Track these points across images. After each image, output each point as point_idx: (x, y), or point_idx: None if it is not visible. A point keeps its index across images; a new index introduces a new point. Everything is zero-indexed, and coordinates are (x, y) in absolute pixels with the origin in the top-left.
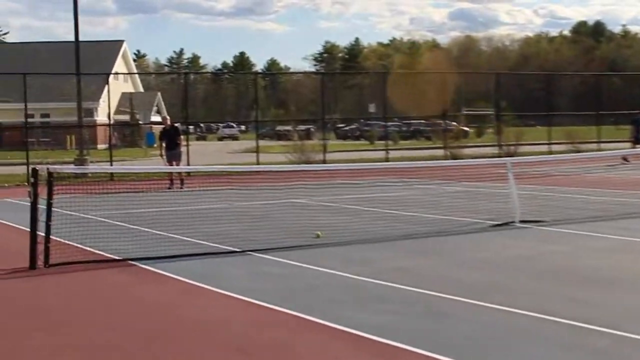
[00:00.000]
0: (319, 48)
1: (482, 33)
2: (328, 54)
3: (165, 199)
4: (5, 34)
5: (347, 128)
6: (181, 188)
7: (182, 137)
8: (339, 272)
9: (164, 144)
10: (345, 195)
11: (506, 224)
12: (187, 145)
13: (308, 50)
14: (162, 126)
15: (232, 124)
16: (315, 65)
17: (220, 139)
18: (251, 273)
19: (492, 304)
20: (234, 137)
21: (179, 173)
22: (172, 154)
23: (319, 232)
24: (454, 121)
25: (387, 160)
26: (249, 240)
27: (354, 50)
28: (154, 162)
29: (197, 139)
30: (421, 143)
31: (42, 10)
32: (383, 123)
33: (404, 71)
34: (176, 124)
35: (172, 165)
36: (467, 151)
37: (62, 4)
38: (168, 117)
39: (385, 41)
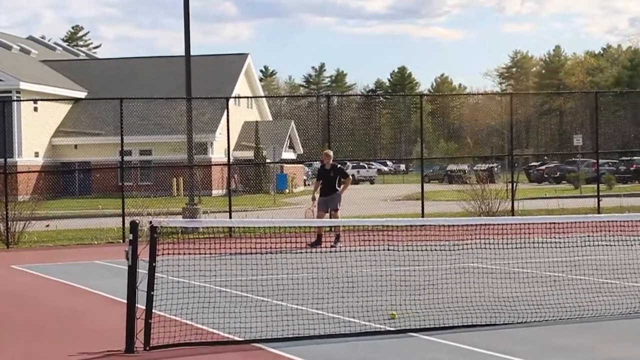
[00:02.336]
0: (505, 60)
1: None
2: (518, 68)
3: (301, 261)
4: (96, 47)
5: (543, 167)
6: (334, 245)
7: (349, 179)
8: None
9: (320, 187)
10: (540, 258)
11: None
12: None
13: (490, 63)
14: (321, 164)
15: (386, 162)
16: (500, 83)
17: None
18: None
19: None
20: (371, 181)
21: (336, 227)
22: (328, 201)
23: (394, 312)
24: None
25: (598, 211)
26: (410, 318)
27: (553, 63)
28: (286, 213)
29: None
30: None
31: (142, 16)
32: (593, 161)
33: (621, 90)
34: (340, 165)
35: (323, 215)
36: None
37: (167, 7)
38: (331, 153)
39: (597, 50)
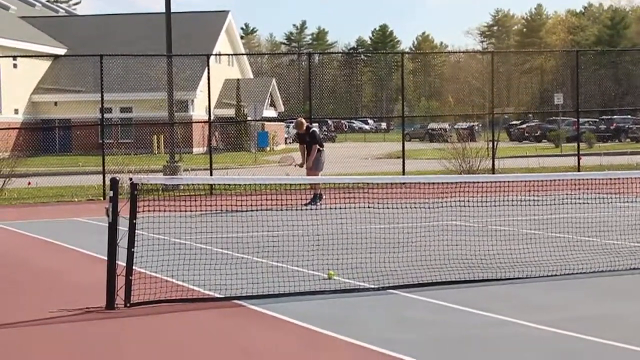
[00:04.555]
0: (486, 19)
1: None
2: (499, 26)
3: (282, 219)
4: (76, 4)
5: (524, 126)
6: (307, 204)
7: (314, 147)
8: (510, 319)
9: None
10: (521, 216)
11: None
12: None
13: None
14: (296, 131)
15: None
16: (481, 42)
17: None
18: (393, 318)
19: None
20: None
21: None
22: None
23: (331, 271)
24: None
25: (578, 169)
26: (389, 275)
27: (535, 21)
28: (267, 171)
29: (324, 139)
30: (626, 146)
31: None
32: (574, 119)
33: (602, 49)
34: (313, 126)
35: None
36: None
37: None
38: (302, 121)
39: (578, 8)
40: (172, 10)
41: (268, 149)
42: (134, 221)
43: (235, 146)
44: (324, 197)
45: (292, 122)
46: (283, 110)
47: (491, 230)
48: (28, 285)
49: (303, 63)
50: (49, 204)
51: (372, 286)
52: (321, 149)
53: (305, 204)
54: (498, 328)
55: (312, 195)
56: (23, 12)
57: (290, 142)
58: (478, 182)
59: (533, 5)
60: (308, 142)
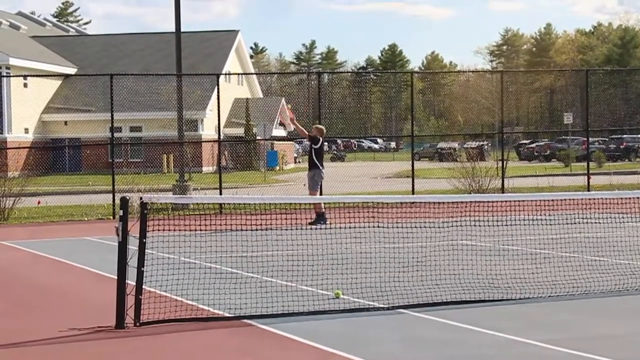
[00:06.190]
0: (496, 38)
1: None
2: (509, 46)
3: (291, 238)
4: (86, 23)
5: (533, 145)
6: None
7: (316, 156)
8: (520, 339)
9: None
10: (530, 235)
11: None
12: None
13: (481, 41)
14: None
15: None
16: (491, 61)
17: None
18: (403, 337)
19: None
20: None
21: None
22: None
23: (338, 291)
24: None
25: (588, 188)
26: (399, 295)
27: (544, 40)
28: (277, 190)
29: (333, 159)
30: (636, 165)
31: None
32: (583, 139)
33: (612, 68)
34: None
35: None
36: None
37: None
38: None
39: (587, 28)
40: (182, 30)
41: (277, 168)
42: (144, 240)
43: (245, 165)
44: (327, 219)
45: (301, 142)
46: (292, 129)
47: (501, 249)
48: (38, 305)
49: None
50: (58, 223)
51: (382, 305)
52: (320, 167)
53: (309, 223)
54: (509, 348)
55: (315, 215)
56: (34, 31)
57: (299, 162)
58: (488, 202)
59: (542, 25)
60: (317, 149)
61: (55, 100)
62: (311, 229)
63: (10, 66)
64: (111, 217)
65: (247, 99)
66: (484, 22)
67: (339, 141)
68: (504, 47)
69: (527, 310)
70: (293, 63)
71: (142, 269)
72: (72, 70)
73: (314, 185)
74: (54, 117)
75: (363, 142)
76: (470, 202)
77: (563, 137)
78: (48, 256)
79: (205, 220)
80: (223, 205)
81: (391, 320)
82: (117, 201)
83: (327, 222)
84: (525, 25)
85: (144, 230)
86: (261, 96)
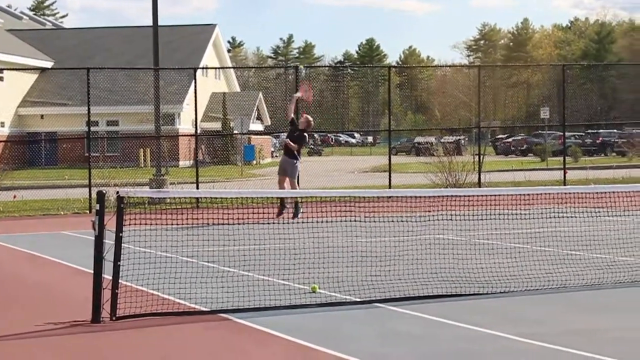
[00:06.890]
0: (473, 33)
1: None
2: (486, 41)
3: (268, 233)
4: (63, 17)
5: (510, 140)
6: (294, 217)
7: (294, 145)
8: (497, 332)
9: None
10: (507, 229)
11: None
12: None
13: (459, 36)
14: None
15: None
16: (468, 56)
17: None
18: (381, 332)
19: None
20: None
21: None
22: (284, 163)
23: (315, 285)
24: None
25: (564, 183)
26: (376, 289)
27: (521, 35)
28: (254, 184)
29: (310, 153)
30: (612, 160)
31: None
32: (560, 133)
33: (588, 63)
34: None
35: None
36: None
37: None
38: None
39: (564, 23)
40: (159, 24)
41: (254, 162)
42: (121, 234)
43: (222, 159)
44: (287, 207)
45: (278, 136)
46: (270, 123)
47: (477, 243)
48: (13, 299)
49: (290, 77)
50: (34, 217)
51: (358, 299)
52: (298, 159)
53: (293, 217)
54: (485, 342)
55: (293, 207)
56: (10, 25)
57: (276, 156)
58: (464, 196)
59: (519, 20)
60: (296, 137)
61: (31, 93)
62: (292, 222)
63: None
64: (87, 211)
65: (225, 93)
66: (462, 17)
67: (316, 135)
68: (482, 42)
69: (502, 304)
70: (270, 57)
71: (119, 263)
72: (48, 64)
73: (294, 172)
74: (31, 110)
75: (340, 136)
76: (447, 196)
77: (540, 131)
78: (24, 250)
79: (182, 214)
80: (200, 199)
81: (368, 314)
82: (94, 195)
83: (285, 211)
84: (503, 20)
85: (121, 224)
86: (238, 90)
